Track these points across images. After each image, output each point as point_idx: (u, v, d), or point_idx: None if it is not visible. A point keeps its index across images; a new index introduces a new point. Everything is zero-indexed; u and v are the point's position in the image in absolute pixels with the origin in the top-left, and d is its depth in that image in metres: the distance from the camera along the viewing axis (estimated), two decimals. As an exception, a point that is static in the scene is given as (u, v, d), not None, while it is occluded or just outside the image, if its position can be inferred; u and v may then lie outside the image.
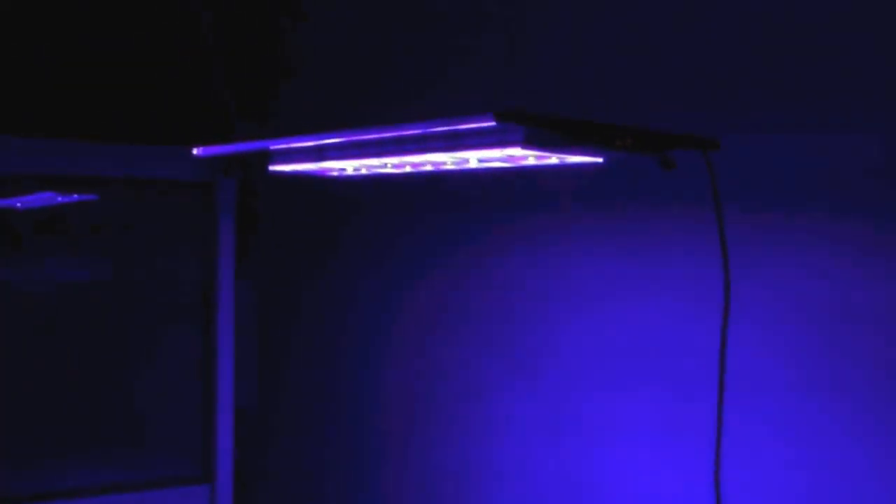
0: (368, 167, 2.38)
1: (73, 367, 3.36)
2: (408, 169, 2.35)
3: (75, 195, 3.27)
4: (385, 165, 2.32)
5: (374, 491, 3.37)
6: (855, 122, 2.05)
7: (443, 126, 1.90)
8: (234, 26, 3.62)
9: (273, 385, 3.84)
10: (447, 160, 2.16)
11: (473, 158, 2.11)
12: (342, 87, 3.43)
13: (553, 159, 2.07)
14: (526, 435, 2.81)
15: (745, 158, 2.18)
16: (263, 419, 3.83)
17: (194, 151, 2.51)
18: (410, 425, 3.21)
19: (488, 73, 2.89)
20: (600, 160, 2.07)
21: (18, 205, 3.26)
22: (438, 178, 2.49)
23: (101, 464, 3.37)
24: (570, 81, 2.63)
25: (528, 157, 2.04)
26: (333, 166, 2.39)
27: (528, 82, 2.76)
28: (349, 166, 2.38)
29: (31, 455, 3.29)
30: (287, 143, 2.29)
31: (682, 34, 2.37)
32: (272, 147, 2.39)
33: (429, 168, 2.32)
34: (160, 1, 3.53)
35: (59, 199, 3.24)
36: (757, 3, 2.22)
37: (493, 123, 1.80)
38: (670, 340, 2.42)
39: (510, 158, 2.09)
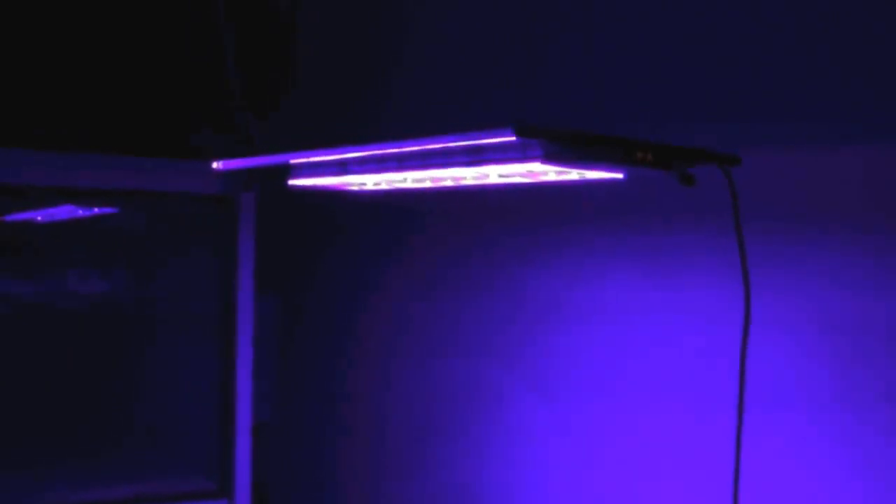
0: (389, 182, 2.38)
1: (91, 379, 3.36)
2: (428, 184, 2.35)
3: (95, 208, 3.27)
4: (405, 180, 2.32)
5: (391, 506, 3.37)
6: (873, 136, 2.04)
7: (462, 140, 1.90)
8: (253, 40, 3.62)
9: (290, 399, 3.84)
10: (467, 175, 2.16)
11: (493, 173, 2.10)
12: (359, 102, 3.44)
13: (573, 175, 2.06)
14: (542, 449, 2.80)
15: (765, 173, 2.18)
16: (281, 434, 3.83)
17: (214, 165, 2.51)
18: (427, 439, 3.21)
19: (508, 89, 2.89)
20: (621, 176, 2.07)
21: (39, 218, 3.27)
22: (457, 194, 2.49)
23: (118, 477, 3.37)
24: (590, 96, 2.63)
25: (549, 172, 2.03)
26: (353, 181, 2.39)
27: (547, 97, 2.75)
28: (369, 181, 2.38)
29: (49, 467, 3.29)
30: (307, 156, 2.29)
31: (703, 50, 2.37)
32: (292, 161, 2.38)
33: (449, 183, 2.32)
34: (183, 16, 3.54)
35: (80, 212, 3.25)
36: (779, 20, 2.21)
37: (513, 138, 1.79)
38: (689, 355, 2.41)
39: (530, 174, 2.09)
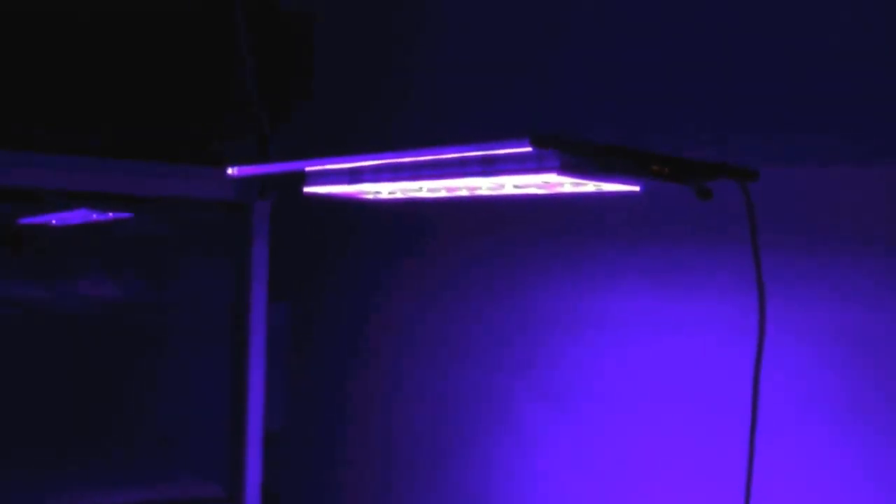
0: (403, 191, 2.37)
1: (103, 384, 3.36)
2: (443, 193, 2.34)
3: (110, 213, 3.27)
4: (420, 189, 2.31)
5: (401, 517, 3.36)
6: (890, 151, 2.03)
7: (478, 150, 1.89)
8: (270, 47, 3.63)
9: (302, 406, 3.83)
10: (482, 185, 2.15)
11: (509, 184, 2.10)
12: (375, 109, 3.44)
13: (589, 186, 2.05)
14: (552, 458, 2.79)
15: (782, 188, 2.17)
16: (292, 440, 3.82)
17: (229, 171, 2.51)
18: (438, 447, 3.20)
19: (524, 99, 2.88)
20: (637, 189, 2.06)
21: (54, 221, 3.28)
22: (472, 204, 2.48)
23: (129, 482, 3.37)
24: (607, 108, 2.62)
25: (564, 183, 2.03)
26: (368, 189, 2.38)
27: (563, 109, 2.75)
28: (384, 189, 2.37)
29: (60, 471, 3.29)
30: (322, 164, 2.29)
31: (722, 62, 2.36)
32: (307, 168, 2.38)
33: (464, 193, 2.31)
34: (200, 22, 3.54)
35: (94, 216, 3.25)
36: (800, 34, 2.21)
37: (529, 149, 1.79)
38: (703, 369, 2.40)
39: (546, 185, 2.08)
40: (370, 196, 2.54)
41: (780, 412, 2.19)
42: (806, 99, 2.19)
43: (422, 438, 3.28)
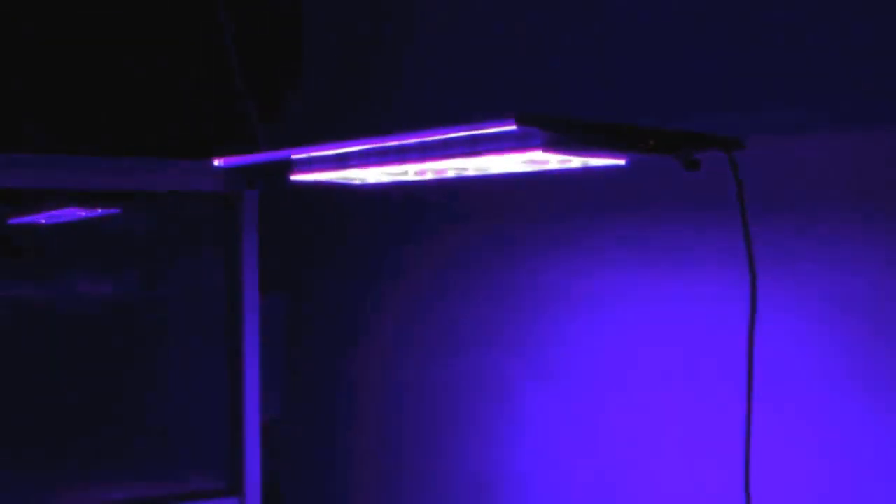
0: (390, 175, 2.37)
1: (97, 381, 3.36)
2: (430, 176, 2.34)
3: (98, 209, 3.27)
4: (407, 173, 2.31)
5: (400, 499, 3.36)
6: (879, 117, 2.03)
7: (463, 130, 1.89)
8: (257, 38, 3.62)
9: (299, 396, 3.84)
10: (469, 166, 2.15)
11: (495, 164, 2.10)
12: (362, 98, 3.44)
13: (575, 162, 2.06)
14: (550, 437, 2.80)
15: (769, 157, 2.17)
16: (290, 430, 3.83)
17: (215, 163, 2.51)
18: (436, 430, 3.20)
19: (508, 77, 2.88)
20: (623, 162, 2.06)
21: (43, 220, 3.27)
22: (461, 185, 2.48)
23: (127, 478, 3.37)
24: (592, 85, 2.62)
25: (550, 160, 2.03)
26: (355, 175, 2.38)
27: (549, 88, 2.75)
28: (371, 175, 2.37)
29: (58, 468, 3.29)
30: (308, 151, 2.29)
31: (703, 33, 2.36)
32: (293, 156, 2.38)
33: (451, 175, 2.31)
34: (185, 14, 3.54)
35: (83, 213, 3.25)
36: (780, 5, 2.21)
37: (513, 127, 1.79)
38: (697, 341, 2.40)
39: (532, 163, 2.08)
40: (357, 182, 2.54)
41: (775, 384, 2.19)
42: (790, 68, 2.19)
43: (419, 421, 3.28)
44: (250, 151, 2.53)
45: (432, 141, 2.02)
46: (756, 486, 2.06)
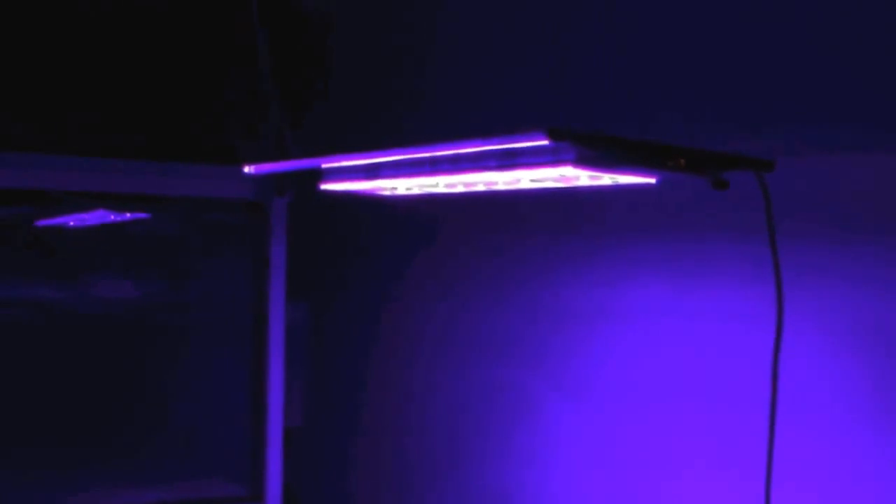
0: (420, 186, 2.38)
1: (122, 384, 3.37)
2: (460, 189, 2.35)
3: (127, 213, 3.28)
4: (437, 185, 2.31)
5: (421, 512, 3.37)
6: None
7: (495, 144, 1.90)
8: (287, 45, 3.63)
9: (322, 404, 3.84)
10: (499, 180, 2.15)
11: (525, 178, 2.10)
12: (391, 105, 3.44)
13: (605, 179, 2.05)
14: (573, 452, 2.79)
15: (799, 179, 2.16)
16: (312, 438, 3.83)
17: (246, 169, 2.52)
18: (458, 446, 3.20)
19: (539, 93, 2.89)
20: (653, 181, 2.06)
21: (71, 223, 3.29)
22: (489, 199, 2.49)
23: (150, 482, 3.38)
24: (623, 101, 2.62)
25: (581, 176, 2.03)
26: (385, 185, 2.39)
27: (579, 102, 2.75)
28: (401, 185, 2.38)
29: (81, 471, 3.30)
30: (339, 160, 2.29)
31: (736, 55, 2.36)
32: (324, 165, 2.38)
33: (481, 188, 2.31)
34: (217, 21, 3.55)
35: (112, 217, 3.26)
36: (810, 24, 2.21)
37: (545, 142, 1.79)
38: (721, 359, 2.40)
39: (562, 178, 2.08)
40: (387, 192, 2.54)
41: (800, 403, 2.18)
42: (823, 87, 2.19)
43: (440, 433, 3.28)
44: (281, 158, 2.54)
45: (464, 154, 2.03)
46: (777, 497, 2.06)
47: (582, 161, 1.86)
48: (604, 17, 2.70)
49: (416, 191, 2.45)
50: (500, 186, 2.25)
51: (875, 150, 2.09)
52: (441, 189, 2.36)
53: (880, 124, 2.08)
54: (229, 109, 3.58)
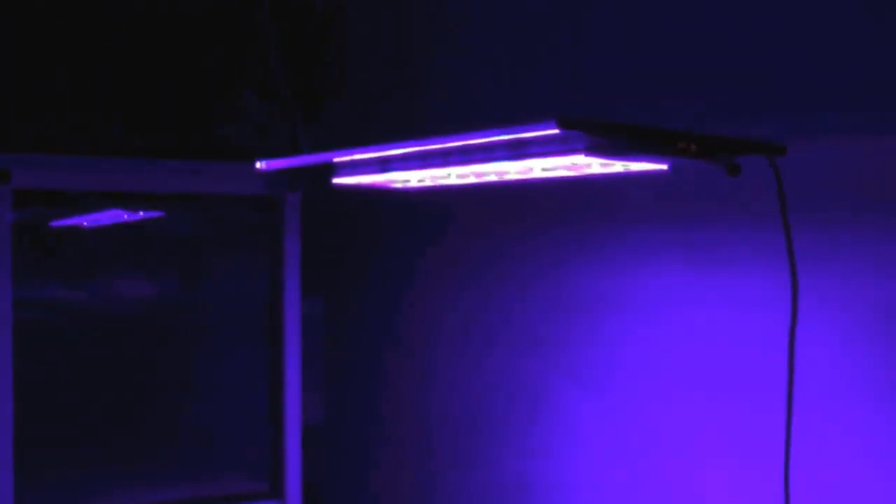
0: (432, 178, 2.38)
1: (140, 382, 3.38)
2: (472, 179, 2.35)
3: (141, 212, 3.29)
4: (449, 176, 2.32)
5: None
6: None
7: (506, 133, 1.90)
8: (299, 42, 3.64)
9: (340, 400, 3.85)
10: (511, 169, 2.15)
11: (537, 167, 2.10)
12: (401, 99, 3.44)
13: (617, 167, 2.05)
14: (590, 443, 2.79)
15: (812, 163, 2.16)
16: (331, 434, 3.84)
17: (258, 165, 2.52)
18: (473, 434, 3.20)
19: (549, 83, 2.88)
20: (665, 167, 2.06)
21: (85, 223, 3.29)
22: (501, 190, 2.49)
23: (170, 479, 3.39)
24: (633, 88, 2.62)
25: (592, 164, 2.03)
26: (397, 178, 2.39)
27: (589, 92, 2.75)
28: (413, 177, 2.38)
29: (101, 469, 3.31)
30: (351, 154, 2.29)
31: (746, 39, 2.35)
32: (335, 159, 2.39)
33: (493, 178, 2.32)
34: (228, 19, 3.56)
35: (126, 216, 3.27)
36: (820, 9, 2.20)
37: (556, 131, 1.79)
38: (736, 345, 2.39)
39: (574, 167, 2.08)
40: (399, 185, 2.54)
41: (817, 388, 2.18)
42: (835, 71, 2.18)
43: (458, 426, 3.28)
44: (293, 154, 2.54)
45: (475, 144, 2.03)
46: (795, 494, 2.06)
47: (593, 149, 1.86)
48: (614, 4, 2.70)
49: (428, 183, 2.45)
50: (512, 176, 2.25)
51: (888, 133, 2.08)
52: (453, 180, 2.36)
53: (894, 107, 2.07)
54: (242, 107, 3.58)
